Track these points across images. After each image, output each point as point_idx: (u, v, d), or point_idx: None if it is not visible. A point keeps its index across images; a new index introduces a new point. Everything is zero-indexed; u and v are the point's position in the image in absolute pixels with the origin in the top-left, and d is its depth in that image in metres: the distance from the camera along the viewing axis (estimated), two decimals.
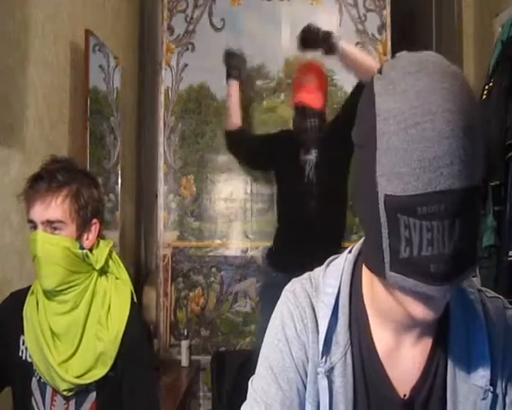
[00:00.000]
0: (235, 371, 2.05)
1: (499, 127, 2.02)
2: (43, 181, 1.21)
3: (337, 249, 2.40)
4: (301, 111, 2.42)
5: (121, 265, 1.36)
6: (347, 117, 2.45)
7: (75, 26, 2.02)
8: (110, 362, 1.24)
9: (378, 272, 0.68)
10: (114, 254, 1.36)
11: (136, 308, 1.34)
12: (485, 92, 2.13)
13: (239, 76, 2.66)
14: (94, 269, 1.29)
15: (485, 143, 0.64)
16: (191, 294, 3.02)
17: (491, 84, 2.12)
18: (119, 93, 2.47)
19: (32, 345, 1.25)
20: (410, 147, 0.60)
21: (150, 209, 3.04)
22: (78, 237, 1.26)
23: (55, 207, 1.21)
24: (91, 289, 1.27)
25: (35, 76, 1.68)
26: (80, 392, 1.25)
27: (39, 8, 1.71)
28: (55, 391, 1.26)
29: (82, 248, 1.26)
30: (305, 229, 2.38)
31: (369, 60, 2.37)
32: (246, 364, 2.01)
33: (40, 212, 1.21)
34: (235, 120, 2.62)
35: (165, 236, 3.04)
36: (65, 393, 1.24)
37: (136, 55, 3.02)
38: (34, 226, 1.22)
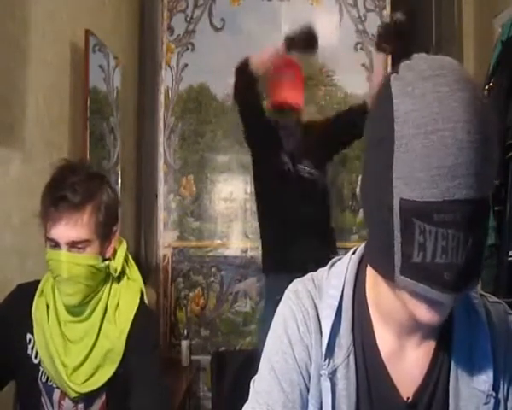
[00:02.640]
0: (235, 371, 2.05)
1: (499, 127, 2.02)
2: (66, 200, 1.15)
3: (326, 248, 2.43)
4: (281, 112, 2.38)
5: (133, 264, 1.36)
6: (334, 133, 2.46)
7: (75, 26, 2.01)
8: (118, 358, 1.22)
9: (386, 274, 0.68)
10: (128, 254, 1.35)
11: (145, 305, 1.32)
12: (486, 92, 2.13)
13: (291, 48, 2.37)
14: (111, 275, 1.27)
15: (498, 155, 0.64)
16: (191, 294, 3.02)
17: (491, 84, 2.12)
18: (119, 93, 2.47)
19: (42, 350, 1.22)
20: (429, 153, 0.60)
21: (150, 209, 3.04)
22: (101, 249, 1.23)
23: (80, 228, 1.16)
24: (106, 294, 1.26)
25: (35, 76, 1.68)
26: (89, 393, 1.23)
27: (39, 8, 1.71)
28: (63, 394, 1.23)
29: (103, 258, 1.24)
30: (291, 227, 2.37)
31: None
32: (246, 364, 2.01)
33: (65, 232, 1.15)
34: (259, 62, 2.33)
35: (165, 236, 3.05)
36: (74, 397, 1.22)
37: (136, 55, 3.02)
38: (55, 245, 1.17)
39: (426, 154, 0.60)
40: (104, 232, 1.22)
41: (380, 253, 0.68)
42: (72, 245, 1.17)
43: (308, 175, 2.40)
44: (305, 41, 2.33)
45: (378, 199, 0.66)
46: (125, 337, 1.23)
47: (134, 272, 1.34)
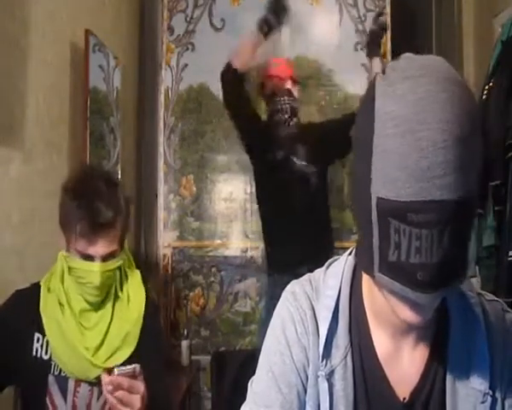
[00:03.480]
0: (235, 371, 2.05)
1: (499, 127, 2.02)
2: (101, 218, 1.20)
3: (328, 246, 2.44)
4: (271, 94, 2.43)
5: (130, 257, 1.42)
6: (328, 134, 2.48)
7: (75, 26, 2.01)
8: (135, 341, 1.30)
9: (368, 271, 0.69)
10: (126, 248, 1.41)
11: (149, 290, 1.41)
12: (485, 92, 2.13)
13: (268, 32, 2.39)
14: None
15: (483, 151, 0.63)
16: (191, 294, 3.02)
17: (491, 84, 2.12)
18: (119, 93, 2.47)
19: (57, 341, 1.26)
20: (405, 153, 0.60)
21: (150, 209, 3.04)
22: (121, 248, 1.31)
23: (114, 243, 1.24)
24: (116, 282, 1.34)
25: (35, 76, 1.68)
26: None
27: (39, 8, 1.71)
28: (78, 382, 1.28)
29: None
30: (292, 225, 2.38)
31: None
32: (246, 364, 2.01)
33: (101, 249, 1.22)
34: (240, 60, 2.34)
35: (165, 236, 3.04)
36: (94, 380, 1.26)
37: (136, 55, 3.02)
38: (88, 257, 1.23)
39: (402, 154, 0.60)
40: (125, 235, 1.32)
41: (363, 250, 0.69)
42: (106, 257, 1.24)
43: (304, 168, 2.39)
44: (276, 17, 2.36)
45: (360, 198, 0.67)
46: (141, 321, 1.31)
47: (131, 262, 1.42)
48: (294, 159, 2.40)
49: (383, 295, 0.70)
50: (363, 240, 0.69)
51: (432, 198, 0.59)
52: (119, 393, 1.04)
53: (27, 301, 1.30)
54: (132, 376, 1.07)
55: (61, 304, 1.29)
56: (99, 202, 1.20)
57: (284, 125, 2.41)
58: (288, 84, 2.46)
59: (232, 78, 2.33)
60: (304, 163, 2.40)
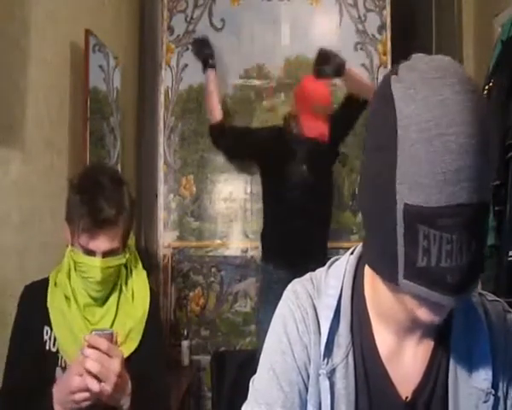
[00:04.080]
0: (235, 371, 2.05)
1: (499, 127, 2.02)
2: (104, 214, 1.21)
3: (325, 249, 2.46)
4: (305, 139, 2.42)
5: (136, 254, 1.44)
6: (336, 126, 2.49)
7: (75, 26, 2.01)
8: (138, 338, 1.31)
9: (389, 278, 0.68)
10: (133, 247, 1.44)
11: (154, 290, 1.41)
12: (485, 92, 2.13)
13: (214, 64, 2.55)
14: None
15: (496, 157, 0.65)
16: (191, 294, 3.02)
17: (491, 84, 2.12)
18: (119, 93, 2.47)
19: (64, 335, 1.28)
20: (433, 158, 0.59)
21: (150, 209, 3.04)
22: (124, 247, 1.33)
23: (116, 239, 1.25)
24: (120, 279, 1.35)
25: (35, 76, 1.68)
26: None
27: (39, 7, 1.71)
28: None
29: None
30: (294, 228, 2.40)
31: (367, 81, 2.53)
32: (246, 364, 2.01)
33: (102, 244, 1.24)
34: (216, 115, 2.52)
35: (165, 236, 3.04)
36: None
37: (136, 55, 3.02)
38: (90, 253, 1.25)
39: (429, 159, 0.60)
40: (128, 233, 1.32)
41: (382, 257, 0.68)
42: (108, 254, 1.26)
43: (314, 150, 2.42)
44: (333, 70, 2.36)
45: (379, 204, 0.66)
46: (145, 318, 1.32)
47: (137, 261, 1.43)
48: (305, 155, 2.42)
49: (396, 297, 0.70)
50: (381, 248, 0.67)
51: (461, 202, 0.60)
52: (97, 355, 1.03)
53: (37, 294, 1.33)
54: (110, 340, 1.06)
55: (67, 298, 1.31)
56: (101, 199, 1.22)
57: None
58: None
59: (221, 131, 2.49)
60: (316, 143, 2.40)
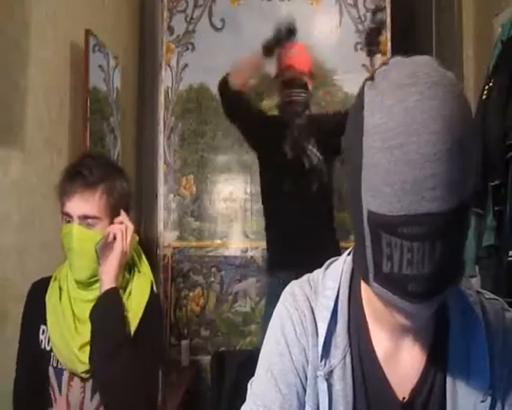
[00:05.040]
0: (235, 371, 2.05)
1: (499, 127, 2.02)
2: (82, 176, 1.24)
3: (333, 247, 2.43)
4: (287, 84, 2.37)
5: (144, 259, 1.41)
6: (333, 128, 2.44)
7: (75, 26, 2.01)
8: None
9: (364, 279, 0.69)
10: (138, 248, 1.41)
11: (156, 297, 1.37)
12: (485, 92, 2.13)
13: (271, 54, 2.42)
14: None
15: (477, 156, 0.62)
16: (191, 294, 3.02)
17: (491, 84, 2.12)
18: (119, 93, 2.47)
19: (54, 330, 1.28)
20: (393, 167, 0.59)
21: (150, 209, 3.04)
22: None
23: (92, 203, 1.25)
24: (120, 280, 1.32)
25: (35, 76, 1.68)
26: None
27: (39, 8, 1.71)
28: (72, 374, 1.28)
29: None
30: (295, 227, 2.36)
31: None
32: (246, 364, 2.01)
33: (78, 206, 1.24)
34: (239, 78, 2.35)
35: (166, 236, 3.05)
36: (83, 375, 1.26)
37: (136, 55, 3.02)
38: (69, 219, 1.25)
39: (390, 169, 0.59)
40: (113, 215, 1.29)
41: (359, 257, 0.69)
42: (83, 219, 1.25)
43: (314, 158, 2.37)
44: (281, 40, 2.34)
45: (353, 207, 0.66)
46: (137, 322, 1.29)
47: (145, 265, 1.40)
48: (308, 147, 2.37)
49: (380, 299, 0.70)
50: (359, 248, 0.69)
51: (421, 212, 0.59)
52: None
53: (38, 292, 1.34)
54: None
55: (60, 289, 1.31)
56: (83, 167, 1.26)
57: (296, 117, 2.38)
58: (306, 78, 2.40)
59: (230, 95, 2.35)
60: (316, 152, 2.37)
